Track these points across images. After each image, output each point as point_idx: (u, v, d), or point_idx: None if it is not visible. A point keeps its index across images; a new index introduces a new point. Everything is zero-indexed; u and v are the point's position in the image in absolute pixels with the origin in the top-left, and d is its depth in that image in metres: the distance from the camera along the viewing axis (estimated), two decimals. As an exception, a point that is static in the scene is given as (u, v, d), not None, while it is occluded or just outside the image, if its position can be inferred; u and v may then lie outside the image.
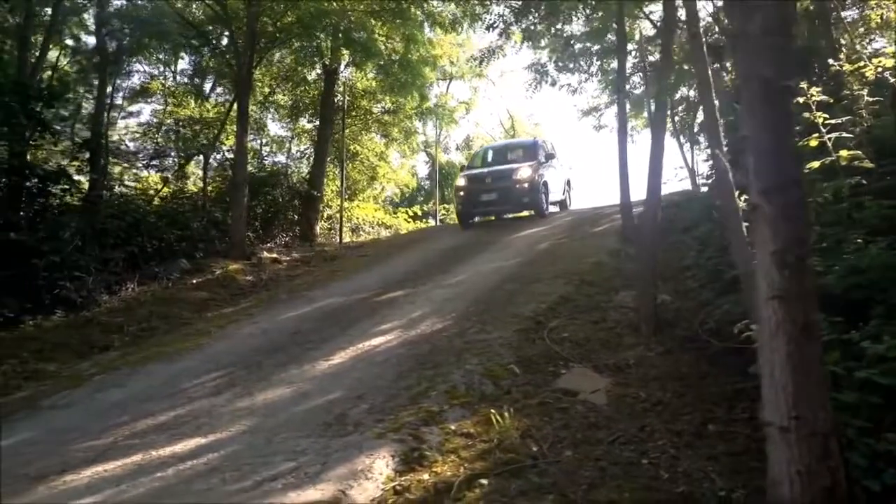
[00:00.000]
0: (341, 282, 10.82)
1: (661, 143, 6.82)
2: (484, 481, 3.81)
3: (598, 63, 14.62)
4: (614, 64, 15.44)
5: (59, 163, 11.35)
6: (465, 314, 7.44)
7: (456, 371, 5.51)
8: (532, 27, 10.81)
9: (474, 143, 28.67)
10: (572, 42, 12.29)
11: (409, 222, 20.42)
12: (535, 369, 5.64)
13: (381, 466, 3.93)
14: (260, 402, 5.51)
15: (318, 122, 17.02)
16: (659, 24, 15.05)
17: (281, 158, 18.14)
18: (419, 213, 21.08)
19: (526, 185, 14.06)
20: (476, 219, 15.09)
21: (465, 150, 29.33)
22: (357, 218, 17.26)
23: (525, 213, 15.02)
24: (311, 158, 17.96)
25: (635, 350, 6.05)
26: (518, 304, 7.59)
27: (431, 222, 22.92)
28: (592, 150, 66.49)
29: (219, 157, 14.71)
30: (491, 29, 11.36)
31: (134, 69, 15.83)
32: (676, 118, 20.23)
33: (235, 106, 13.54)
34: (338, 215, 16.25)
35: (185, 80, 18.16)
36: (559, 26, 11.75)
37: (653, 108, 18.84)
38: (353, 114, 16.86)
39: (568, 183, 17.48)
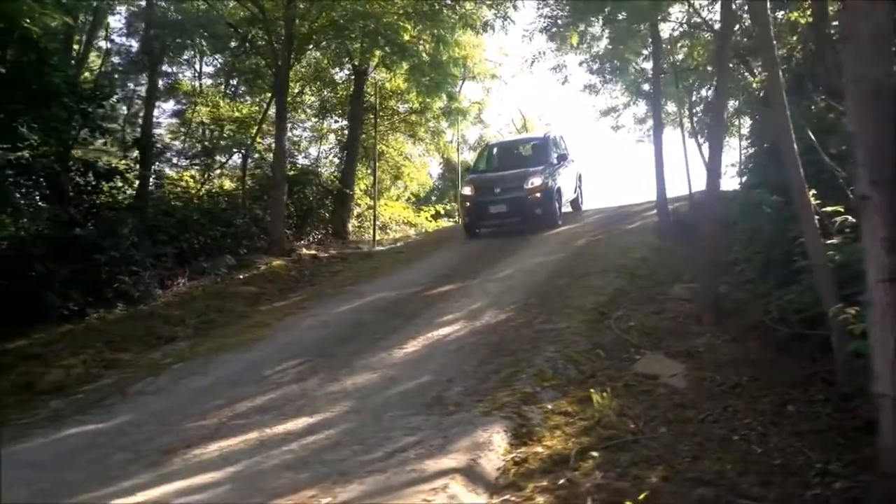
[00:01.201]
0: (385, 277, 11.11)
1: (720, 142, 7.11)
2: (594, 454, 4.09)
3: (625, 64, 14.81)
4: (644, 65, 15.80)
5: (110, 161, 11.63)
6: (524, 306, 7.73)
7: (537, 357, 5.79)
8: (584, 29, 11.10)
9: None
10: (608, 42, 12.49)
11: (429, 221, 20.71)
12: (611, 355, 5.94)
13: (498, 440, 4.22)
14: (350, 387, 5.80)
15: (346, 122, 17.34)
16: (683, 25, 15.40)
17: (305, 158, 18.41)
18: (441, 211, 21.39)
19: (538, 194, 12.78)
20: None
21: (478, 149, 29.53)
22: (384, 216, 17.55)
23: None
24: (337, 157, 18.31)
25: (702, 338, 6.34)
26: (575, 296, 7.87)
27: (443, 222, 23.19)
28: (604, 149, 66.53)
29: (255, 156, 15.00)
30: (544, 32, 11.65)
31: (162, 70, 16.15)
32: (695, 118, 20.54)
33: (273, 106, 13.85)
34: (366, 213, 16.57)
35: (209, 80, 18.55)
36: (594, 28, 12.03)
37: (672, 107, 19.06)
38: (381, 114, 17.14)
39: (579, 179, 16.33)
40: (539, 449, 4.20)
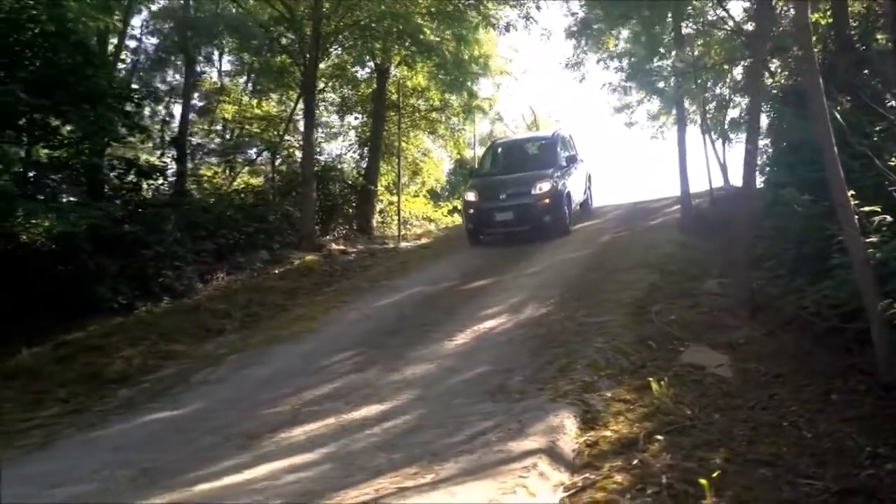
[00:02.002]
0: (417, 272, 11.42)
1: (756, 141, 7.41)
2: (659, 437, 4.41)
3: (644, 62, 15.06)
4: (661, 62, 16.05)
5: (148, 159, 11.96)
6: (563, 300, 8.05)
7: (587, 349, 6.11)
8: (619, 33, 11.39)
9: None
10: (628, 41, 12.76)
11: (446, 217, 21.03)
12: (656, 347, 6.25)
13: (569, 424, 4.55)
14: (410, 376, 6.12)
15: (368, 119, 17.67)
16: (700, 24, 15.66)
17: (326, 155, 18.69)
18: (459, 206, 21.69)
19: (547, 200, 12.03)
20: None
21: (486, 144, 29.68)
22: (405, 211, 17.88)
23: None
24: (359, 153, 18.62)
25: (740, 331, 6.67)
26: (611, 291, 8.19)
27: (458, 217, 23.46)
28: (618, 145, 66.60)
29: (284, 153, 15.33)
30: (574, 36, 11.92)
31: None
32: (708, 116, 20.82)
33: (300, 103, 14.16)
34: (388, 209, 16.90)
35: (227, 78, 18.83)
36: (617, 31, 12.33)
37: (685, 104, 19.34)
38: (402, 111, 17.45)
39: (589, 180, 15.58)
40: (607, 433, 4.53)
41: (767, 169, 11.51)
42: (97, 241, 9.17)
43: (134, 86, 11.64)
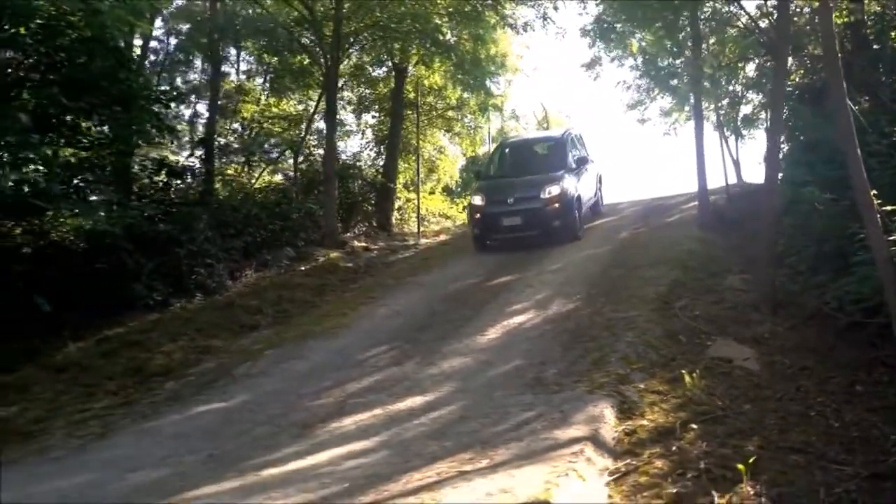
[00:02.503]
0: (440, 269, 11.66)
1: (778, 138, 7.63)
2: (694, 426, 4.66)
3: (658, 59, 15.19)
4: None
5: (176, 159, 12.26)
6: (589, 296, 8.28)
7: (618, 343, 6.35)
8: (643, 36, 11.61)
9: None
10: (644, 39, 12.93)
11: (461, 213, 21.27)
12: (684, 341, 6.50)
13: (608, 414, 4.80)
14: (448, 370, 6.38)
15: (385, 117, 17.94)
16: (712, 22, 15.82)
17: (344, 154, 18.95)
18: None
19: (557, 204, 11.56)
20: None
21: (497, 141, 29.68)
22: (423, 209, 18.13)
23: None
24: (375, 151, 18.91)
25: (763, 326, 6.91)
26: (635, 287, 8.42)
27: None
28: (630, 141, 66.62)
29: (306, 152, 15.63)
30: (590, 35, 12.14)
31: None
32: (721, 112, 20.99)
33: (321, 103, 14.43)
34: (405, 206, 17.17)
35: (243, 76, 19.12)
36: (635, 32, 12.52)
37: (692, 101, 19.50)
38: (420, 109, 17.69)
39: (599, 181, 15.00)
40: (644, 422, 4.78)
41: (783, 166, 11.70)
42: (133, 240, 9.45)
43: (163, 87, 11.89)
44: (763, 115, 19.12)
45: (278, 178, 16.19)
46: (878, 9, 11.43)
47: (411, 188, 17.90)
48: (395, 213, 16.97)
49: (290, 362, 7.39)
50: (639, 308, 7.49)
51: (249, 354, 7.92)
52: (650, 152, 64.99)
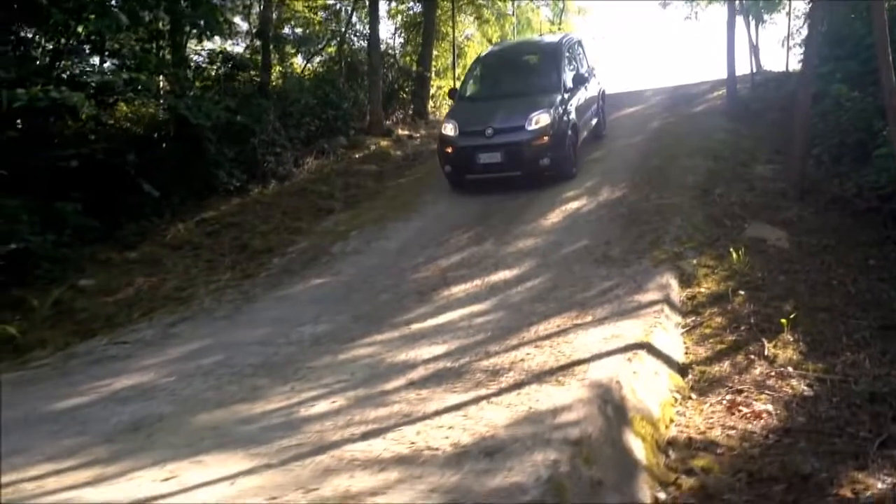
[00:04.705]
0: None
1: (817, 32, 8.40)
2: (741, 292, 5.86)
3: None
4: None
5: (239, 52, 12.90)
6: (634, 184, 9.30)
7: (669, 226, 7.47)
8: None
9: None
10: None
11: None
12: (724, 224, 7.62)
13: (673, 283, 6.00)
14: (523, 248, 7.54)
15: (415, 2, 18.21)
16: None
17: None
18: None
19: (546, 138, 9.51)
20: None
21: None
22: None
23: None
24: (404, 37, 19.23)
25: (791, 210, 8.00)
26: (675, 175, 9.43)
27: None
28: (648, 25, 64.37)
29: (351, 41, 16.14)
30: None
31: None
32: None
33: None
34: (437, 93, 17.78)
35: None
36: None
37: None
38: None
39: (602, 98, 12.57)
40: (701, 289, 5.98)
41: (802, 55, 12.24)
42: (214, 130, 10.34)
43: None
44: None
45: (316, 66, 16.64)
46: None
47: (443, 76, 18.43)
48: (430, 100, 17.58)
49: (379, 242, 8.53)
50: (680, 195, 8.56)
51: (337, 235, 9.04)
52: (669, 38, 63.36)
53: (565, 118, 9.94)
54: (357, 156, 12.94)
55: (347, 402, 3.74)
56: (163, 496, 2.57)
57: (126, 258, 8.50)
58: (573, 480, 2.56)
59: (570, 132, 10.00)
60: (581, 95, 10.78)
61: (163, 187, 9.63)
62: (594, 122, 11.83)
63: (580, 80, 10.81)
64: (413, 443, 2.98)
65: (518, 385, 3.76)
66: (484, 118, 9.76)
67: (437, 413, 3.39)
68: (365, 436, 3.12)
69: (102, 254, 8.48)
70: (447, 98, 12.59)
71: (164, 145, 10.34)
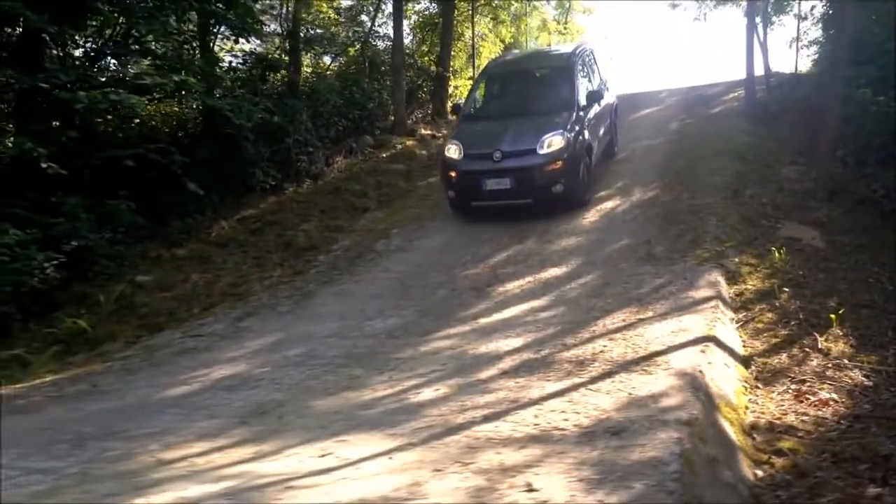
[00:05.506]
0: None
1: (842, 38, 8.72)
2: (786, 289, 6.16)
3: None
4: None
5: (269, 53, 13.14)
6: (664, 185, 9.61)
7: (706, 225, 7.77)
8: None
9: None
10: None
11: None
12: (759, 224, 7.94)
13: (721, 280, 6.30)
14: (567, 246, 7.84)
15: (432, 3, 18.48)
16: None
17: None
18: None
19: (559, 163, 8.83)
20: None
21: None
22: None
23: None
24: (420, 37, 19.48)
25: (821, 211, 8.32)
26: (704, 176, 9.73)
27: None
28: (655, 27, 64.64)
29: (374, 43, 16.41)
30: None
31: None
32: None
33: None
34: (455, 93, 18.05)
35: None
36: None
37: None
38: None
39: (615, 111, 11.97)
40: (748, 286, 6.28)
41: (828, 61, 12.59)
42: (252, 130, 10.59)
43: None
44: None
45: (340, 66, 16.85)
46: None
47: (459, 76, 18.71)
48: (448, 100, 17.85)
49: (420, 240, 8.81)
50: (712, 196, 8.86)
51: (377, 233, 9.31)
52: (679, 39, 63.63)
53: (580, 139, 9.23)
54: (384, 155, 13.22)
55: (451, 390, 4.02)
56: (330, 469, 2.83)
57: (175, 255, 8.77)
58: (697, 457, 2.85)
59: (585, 155, 9.33)
60: (595, 112, 10.10)
61: (202, 186, 9.87)
62: (607, 140, 11.16)
63: (595, 97, 10.06)
64: (536, 424, 3.26)
65: (607, 374, 4.04)
66: (491, 139, 9.06)
67: (543, 399, 3.68)
68: (487, 418, 3.40)
69: (153, 251, 8.75)
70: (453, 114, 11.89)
71: (195, 144, 10.56)
